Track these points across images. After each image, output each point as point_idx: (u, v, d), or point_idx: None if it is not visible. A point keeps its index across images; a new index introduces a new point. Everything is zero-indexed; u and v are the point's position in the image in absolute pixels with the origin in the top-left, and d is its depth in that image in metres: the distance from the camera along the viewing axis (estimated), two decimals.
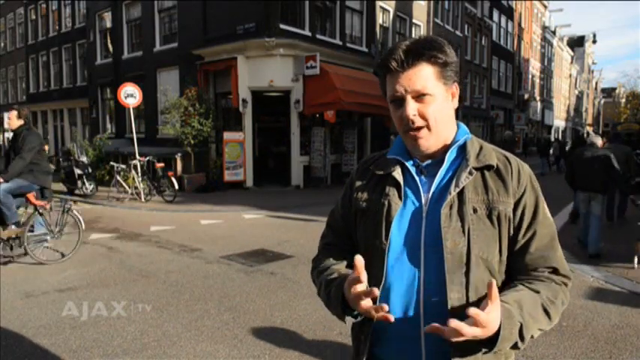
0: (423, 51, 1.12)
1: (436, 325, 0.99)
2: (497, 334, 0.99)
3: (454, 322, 0.94)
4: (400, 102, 1.14)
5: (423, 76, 1.12)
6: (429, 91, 1.12)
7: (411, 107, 1.12)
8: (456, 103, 1.19)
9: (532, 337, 1.09)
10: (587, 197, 6.40)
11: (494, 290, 0.97)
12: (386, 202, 1.19)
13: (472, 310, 0.95)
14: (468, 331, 0.95)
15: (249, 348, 3.58)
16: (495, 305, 0.98)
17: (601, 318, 4.17)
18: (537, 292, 1.11)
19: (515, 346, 1.06)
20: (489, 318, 0.96)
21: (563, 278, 1.16)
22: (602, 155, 6.24)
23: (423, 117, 1.13)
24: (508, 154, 1.22)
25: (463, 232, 1.11)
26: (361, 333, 1.22)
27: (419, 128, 1.13)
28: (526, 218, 1.15)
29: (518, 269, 1.16)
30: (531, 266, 1.15)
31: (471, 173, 1.14)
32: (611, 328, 3.95)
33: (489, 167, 1.16)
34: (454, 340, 0.97)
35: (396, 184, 1.20)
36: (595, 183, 6.24)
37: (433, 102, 1.13)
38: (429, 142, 1.15)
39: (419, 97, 1.12)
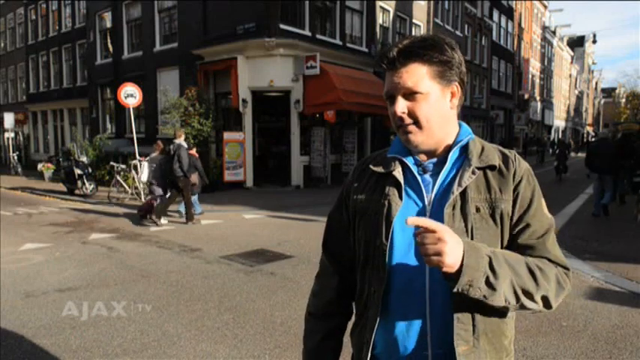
0: (416, 50, 1.11)
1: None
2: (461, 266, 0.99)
3: (411, 219, 0.99)
4: (392, 99, 1.15)
5: (415, 74, 1.11)
6: (420, 90, 1.11)
7: (400, 105, 1.12)
8: (456, 103, 1.18)
9: (518, 298, 1.05)
10: (599, 177, 9.34)
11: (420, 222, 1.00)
12: (386, 202, 1.17)
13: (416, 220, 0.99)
14: (430, 225, 0.98)
15: (249, 348, 3.58)
16: (444, 229, 0.99)
17: (601, 318, 4.17)
18: (524, 256, 1.11)
19: (490, 286, 1.01)
20: (442, 227, 0.98)
21: (557, 264, 1.15)
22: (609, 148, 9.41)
23: (412, 115, 1.13)
24: (508, 152, 1.21)
25: (466, 231, 1.10)
26: (362, 336, 1.21)
27: (408, 124, 1.13)
28: (518, 209, 1.14)
29: None
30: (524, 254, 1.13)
31: (473, 173, 1.14)
32: (611, 328, 3.95)
33: (492, 167, 1.16)
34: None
35: (396, 184, 1.18)
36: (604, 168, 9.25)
37: (424, 100, 1.12)
38: (419, 139, 1.14)
39: (409, 95, 1.12)
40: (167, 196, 9.09)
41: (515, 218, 1.14)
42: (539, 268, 1.09)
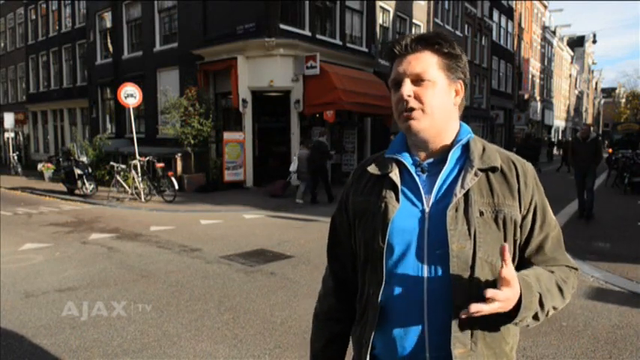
0: (428, 39, 1.15)
1: (464, 314, 1.02)
2: (518, 305, 1.03)
3: (474, 307, 0.99)
4: (399, 84, 1.15)
5: (425, 61, 1.13)
6: (428, 77, 1.12)
7: (407, 88, 1.12)
8: (459, 101, 1.18)
9: (547, 314, 1.12)
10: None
11: (507, 255, 1.00)
12: (383, 205, 1.16)
13: (489, 292, 0.99)
14: (488, 309, 1.00)
15: (249, 348, 3.58)
16: (512, 278, 1.00)
17: (601, 318, 4.17)
18: (552, 272, 1.15)
19: (536, 317, 1.09)
20: (507, 295, 1.00)
21: (571, 268, 1.21)
22: None
23: (418, 99, 1.12)
24: (510, 154, 1.20)
25: (469, 235, 1.09)
26: (362, 336, 1.21)
27: (412, 109, 1.13)
28: (538, 221, 1.16)
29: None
30: (544, 266, 1.17)
31: (476, 175, 1.12)
32: (611, 328, 3.95)
33: (494, 169, 1.15)
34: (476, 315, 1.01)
35: (392, 186, 1.17)
36: None
37: (432, 87, 1.12)
38: (421, 125, 1.13)
39: (418, 80, 1.13)
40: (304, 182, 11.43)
41: (535, 228, 1.16)
42: (564, 281, 1.15)
